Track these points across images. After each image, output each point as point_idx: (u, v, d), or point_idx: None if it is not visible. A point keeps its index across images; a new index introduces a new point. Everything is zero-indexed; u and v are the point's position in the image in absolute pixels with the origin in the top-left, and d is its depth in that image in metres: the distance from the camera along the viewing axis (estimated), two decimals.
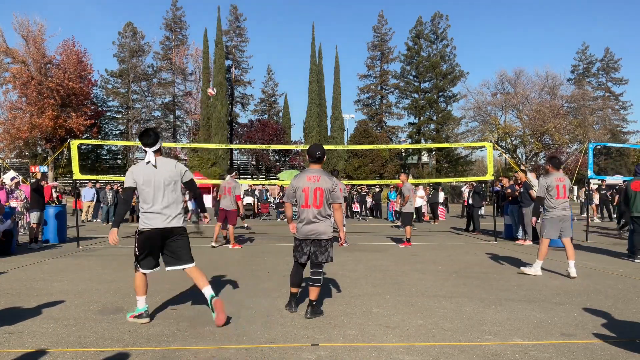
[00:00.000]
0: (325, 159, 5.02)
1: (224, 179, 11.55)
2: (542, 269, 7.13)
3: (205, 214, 5.01)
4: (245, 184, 25.01)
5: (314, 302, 4.73)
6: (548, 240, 7.00)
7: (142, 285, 4.48)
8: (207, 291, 4.44)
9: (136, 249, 4.45)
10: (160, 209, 4.39)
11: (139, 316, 4.48)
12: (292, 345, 3.81)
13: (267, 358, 3.54)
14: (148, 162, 4.44)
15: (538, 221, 7.64)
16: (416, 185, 19.22)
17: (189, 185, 4.67)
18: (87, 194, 19.54)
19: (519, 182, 11.62)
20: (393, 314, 4.76)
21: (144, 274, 4.49)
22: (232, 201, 10.31)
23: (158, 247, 4.47)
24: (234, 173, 11.13)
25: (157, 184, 4.41)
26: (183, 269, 4.52)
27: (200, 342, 3.88)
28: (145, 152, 4.48)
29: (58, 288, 6.00)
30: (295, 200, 4.82)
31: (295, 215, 5.10)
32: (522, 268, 7.17)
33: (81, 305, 5.12)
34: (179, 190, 4.55)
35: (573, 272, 6.66)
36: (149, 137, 4.46)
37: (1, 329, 4.24)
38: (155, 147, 4.47)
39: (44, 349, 3.71)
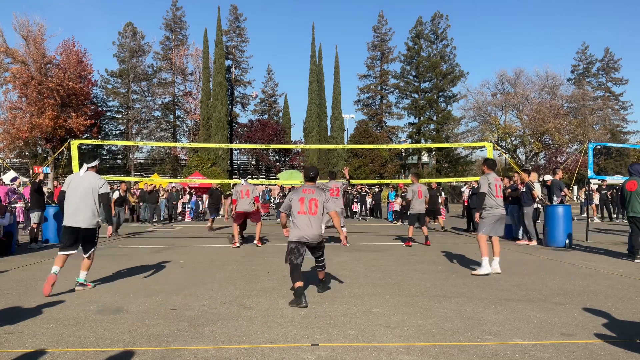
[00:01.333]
0: (318, 178, 5.73)
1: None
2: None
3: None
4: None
5: (323, 279, 5.63)
6: (485, 237, 7.15)
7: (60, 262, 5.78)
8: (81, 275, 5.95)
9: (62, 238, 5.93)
10: (75, 210, 5.72)
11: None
12: (292, 345, 3.81)
13: (267, 358, 3.54)
14: (80, 174, 5.93)
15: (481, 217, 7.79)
16: None
17: (102, 197, 5.89)
18: None
19: (522, 182, 11.60)
20: (393, 314, 4.76)
21: (66, 255, 5.85)
22: (252, 203, 10.78)
23: (75, 238, 5.82)
24: (249, 177, 11.75)
25: (79, 190, 5.76)
26: (83, 256, 5.97)
27: (200, 342, 3.88)
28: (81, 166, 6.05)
29: (58, 288, 6.00)
30: (290, 211, 5.45)
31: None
32: (473, 272, 7.13)
33: (81, 305, 5.12)
34: (92, 198, 5.80)
35: (497, 268, 7.09)
36: (88, 158, 6.08)
37: (1, 329, 4.25)
38: (90, 165, 5.98)
39: (44, 349, 3.71)
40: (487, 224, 7.18)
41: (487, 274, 6.91)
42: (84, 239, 5.86)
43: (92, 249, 6.01)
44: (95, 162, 6.01)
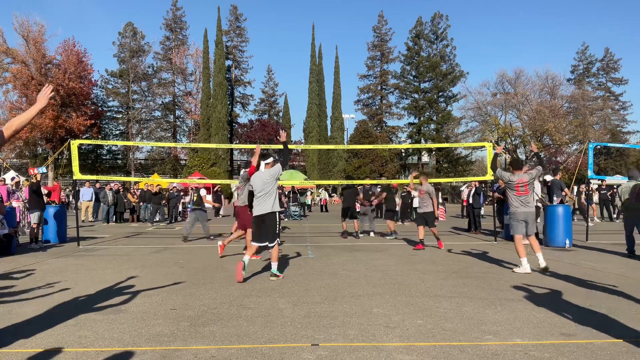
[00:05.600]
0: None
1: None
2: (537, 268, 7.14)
3: None
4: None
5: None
6: (520, 237, 7.32)
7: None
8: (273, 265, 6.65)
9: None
10: (259, 200, 6.58)
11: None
12: (292, 345, 3.81)
13: (267, 358, 3.54)
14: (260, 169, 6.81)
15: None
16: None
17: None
18: (85, 194, 19.50)
19: None
20: (393, 314, 4.76)
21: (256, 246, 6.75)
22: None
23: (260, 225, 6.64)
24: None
25: (260, 182, 6.58)
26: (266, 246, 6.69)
27: (200, 342, 3.88)
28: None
29: (58, 288, 6.01)
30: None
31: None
32: (514, 269, 7.35)
33: (81, 305, 5.12)
34: (270, 186, 6.53)
35: (543, 262, 7.19)
36: (264, 156, 6.87)
37: (1, 329, 4.24)
38: (266, 161, 6.78)
39: (44, 349, 3.71)
40: (514, 223, 7.39)
41: (528, 272, 7.02)
42: (265, 223, 6.57)
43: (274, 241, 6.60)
44: (268, 160, 6.81)
